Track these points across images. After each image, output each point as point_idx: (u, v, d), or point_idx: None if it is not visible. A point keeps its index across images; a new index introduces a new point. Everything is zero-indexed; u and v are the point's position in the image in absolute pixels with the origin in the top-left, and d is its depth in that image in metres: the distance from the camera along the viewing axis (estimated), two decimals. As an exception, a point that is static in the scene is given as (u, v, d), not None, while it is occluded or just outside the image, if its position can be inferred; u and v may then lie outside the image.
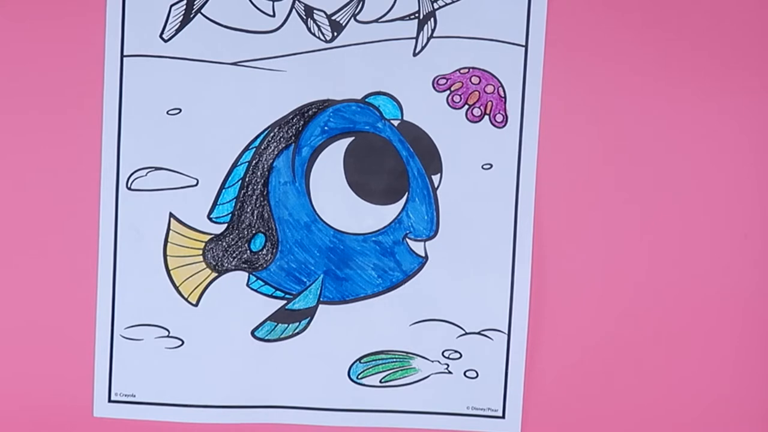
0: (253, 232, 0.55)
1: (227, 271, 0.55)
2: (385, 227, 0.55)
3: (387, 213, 0.55)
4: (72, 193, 0.54)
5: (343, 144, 0.54)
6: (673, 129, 0.55)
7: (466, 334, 0.55)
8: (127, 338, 0.55)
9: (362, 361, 0.55)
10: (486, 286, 0.55)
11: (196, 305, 0.55)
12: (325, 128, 0.54)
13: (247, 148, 0.54)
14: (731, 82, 0.54)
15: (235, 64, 0.54)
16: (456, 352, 0.55)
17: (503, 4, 0.53)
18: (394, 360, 0.55)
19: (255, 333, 0.55)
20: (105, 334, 0.55)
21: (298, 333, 0.55)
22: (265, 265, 0.55)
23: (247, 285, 0.55)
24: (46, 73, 0.53)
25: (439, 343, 0.55)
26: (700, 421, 0.56)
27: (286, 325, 0.55)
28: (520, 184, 0.54)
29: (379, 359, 0.55)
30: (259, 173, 0.54)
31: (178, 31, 0.53)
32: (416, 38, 0.54)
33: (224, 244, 0.55)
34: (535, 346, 0.55)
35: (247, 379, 0.55)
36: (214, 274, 0.55)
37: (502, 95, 0.54)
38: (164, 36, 0.53)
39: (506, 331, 0.55)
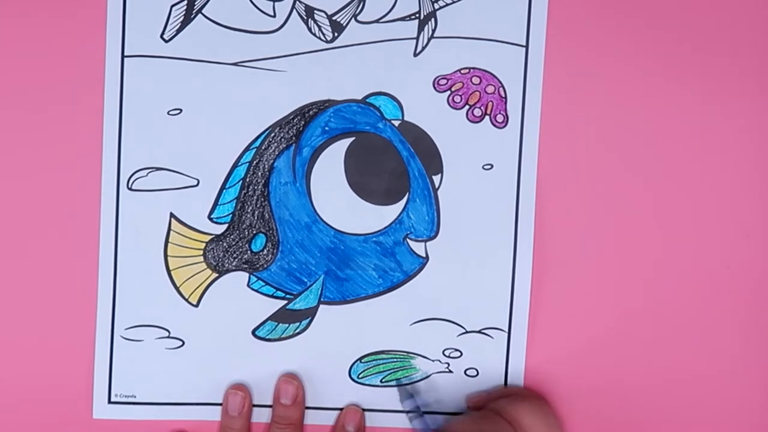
0: (254, 232, 0.55)
1: (228, 271, 0.55)
2: (385, 228, 0.55)
3: (388, 213, 0.55)
4: (72, 194, 0.54)
5: (343, 144, 0.55)
6: (674, 129, 0.55)
7: (467, 332, 0.55)
8: (127, 339, 0.55)
9: (363, 360, 0.56)
10: (487, 285, 0.55)
11: (196, 306, 0.55)
12: (326, 128, 0.55)
13: (247, 149, 0.54)
14: (733, 83, 0.55)
15: (235, 64, 0.54)
16: (456, 350, 0.56)
17: (504, 5, 0.54)
18: (395, 360, 0.56)
19: (256, 333, 0.55)
20: (105, 334, 0.55)
21: (299, 333, 0.55)
22: (265, 266, 0.55)
23: (248, 285, 0.55)
24: (47, 73, 0.53)
25: (439, 342, 0.56)
26: (701, 421, 0.56)
27: (287, 325, 0.55)
28: (521, 185, 0.55)
29: (380, 359, 0.56)
30: (259, 173, 0.54)
31: (178, 31, 0.53)
32: (417, 38, 0.54)
33: (225, 244, 0.55)
34: (535, 344, 0.55)
35: (248, 379, 0.55)
36: (215, 275, 0.55)
37: (503, 95, 0.54)
38: (165, 36, 0.53)
39: (506, 330, 0.55)
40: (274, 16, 0.54)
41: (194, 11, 0.53)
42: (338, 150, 0.55)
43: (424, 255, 0.55)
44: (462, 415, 0.52)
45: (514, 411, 0.49)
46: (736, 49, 0.55)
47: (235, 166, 0.54)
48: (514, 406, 0.49)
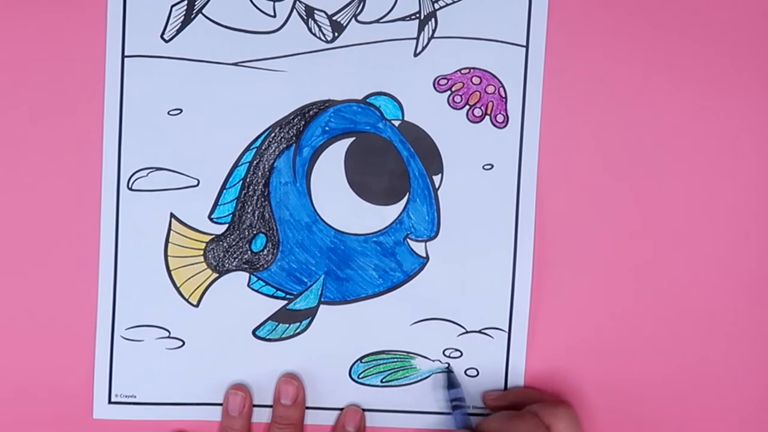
0: (254, 232, 0.55)
1: (228, 271, 0.55)
2: (386, 228, 0.55)
3: (388, 213, 0.55)
4: (73, 194, 0.54)
5: (343, 144, 0.55)
6: (674, 128, 0.55)
7: (467, 332, 0.55)
8: (127, 339, 0.55)
9: (363, 360, 0.56)
10: (487, 285, 0.55)
11: (196, 306, 0.55)
12: (326, 128, 0.55)
13: (247, 149, 0.54)
14: (733, 82, 0.55)
15: (235, 64, 0.54)
16: (457, 350, 0.56)
17: (504, 5, 0.54)
18: (395, 360, 0.56)
19: (256, 333, 0.55)
20: (105, 335, 0.55)
21: (299, 333, 0.55)
22: (266, 266, 0.55)
23: (248, 285, 0.55)
24: (47, 73, 0.53)
25: (439, 342, 0.56)
26: (701, 420, 0.56)
27: (287, 325, 0.55)
28: (521, 185, 0.55)
29: (380, 359, 0.56)
30: (260, 173, 0.54)
31: (179, 31, 0.53)
32: (417, 38, 0.54)
33: (225, 244, 0.55)
34: (535, 344, 0.55)
35: (249, 379, 0.55)
36: (215, 275, 0.55)
37: (503, 96, 0.54)
38: (165, 36, 0.53)
39: (506, 330, 0.55)
40: (274, 16, 0.54)
41: (194, 11, 0.53)
42: (338, 150, 0.55)
43: (424, 255, 0.55)
44: (495, 413, 0.52)
45: (551, 416, 0.49)
46: (737, 49, 0.55)
47: (235, 166, 0.54)
48: (552, 412, 0.49)
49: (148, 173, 0.54)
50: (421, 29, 0.54)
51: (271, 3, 0.54)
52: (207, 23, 0.53)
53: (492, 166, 0.55)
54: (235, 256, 0.55)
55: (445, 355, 0.56)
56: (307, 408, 0.55)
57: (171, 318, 0.55)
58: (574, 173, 0.55)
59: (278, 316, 0.55)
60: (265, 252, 0.55)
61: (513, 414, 0.50)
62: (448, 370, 0.55)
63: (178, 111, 0.54)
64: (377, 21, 0.54)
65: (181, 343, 0.55)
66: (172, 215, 0.54)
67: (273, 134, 0.54)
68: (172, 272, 0.55)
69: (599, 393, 0.56)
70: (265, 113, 0.54)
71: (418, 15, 0.54)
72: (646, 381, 0.56)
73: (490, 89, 0.54)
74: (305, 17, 0.54)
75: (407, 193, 0.55)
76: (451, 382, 0.55)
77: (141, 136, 0.54)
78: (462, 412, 0.53)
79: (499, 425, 0.49)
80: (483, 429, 0.50)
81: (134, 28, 0.53)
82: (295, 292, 0.55)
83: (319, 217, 0.55)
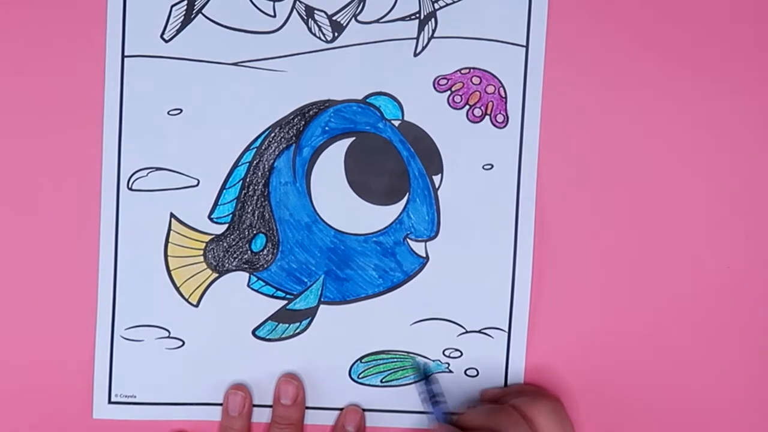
0: (254, 232, 0.55)
1: (228, 271, 0.55)
2: (385, 228, 0.55)
3: (388, 213, 0.55)
4: (73, 194, 0.54)
5: (343, 144, 0.55)
6: (674, 129, 0.55)
7: (467, 332, 0.55)
8: (127, 339, 0.55)
9: (363, 360, 0.56)
10: (487, 285, 0.55)
11: (196, 306, 0.55)
12: (326, 128, 0.55)
13: (247, 149, 0.54)
14: (732, 82, 0.55)
15: (235, 64, 0.54)
16: (456, 350, 0.56)
17: (504, 5, 0.54)
18: (395, 360, 0.56)
19: (256, 333, 0.55)
20: (105, 335, 0.55)
21: (299, 333, 0.55)
22: (265, 266, 0.55)
23: (248, 285, 0.55)
24: (47, 73, 0.53)
25: (439, 342, 0.56)
26: (700, 420, 0.56)
27: (287, 325, 0.55)
28: (521, 184, 0.55)
29: (380, 359, 0.56)
30: (259, 173, 0.54)
31: (179, 31, 0.53)
32: (417, 38, 0.54)
33: (225, 244, 0.55)
34: (535, 344, 0.56)
35: (248, 379, 0.55)
36: (215, 275, 0.55)
37: (503, 96, 0.54)
38: (165, 36, 0.53)
39: (506, 330, 0.55)
40: (274, 16, 0.54)
41: (194, 11, 0.53)
42: (338, 150, 0.55)
43: (424, 255, 0.55)
44: (478, 406, 0.52)
45: (533, 410, 0.48)
46: (737, 48, 0.55)
47: (235, 166, 0.54)
48: (533, 405, 0.49)
49: (148, 173, 0.54)
50: (421, 29, 0.54)
51: (271, 3, 0.54)
52: (207, 23, 0.53)
53: (492, 166, 0.55)
54: (235, 256, 0.55)
55: (444, 355, 0.56)
56: (307, 408, 0.55)
57: (171, 318, 0.55)
58: (574, 173, 0.55)
59: (278, 316, 0.55)
60: (265, 252, 0.55)
61: (495, 407, 0.50)
62: (424, 368, 0.55)
63: (178, 111, 0.54)
64: (377, 21, 0.54)
65: (181, 343, 0.55)
66: (172, 215, 0.54)
67: (273, 134, 0.54)
68: (172, 272, 0.55)
69: (599, 393, 0.56)
70: (265, 113, 0.54)
71: (418, 15, 0.54)
72: (646, 381, 0.56)
73: (490, 89, 0.54)
74: (305, 17, 0.54)
75: (407, 193, 0.55)
76: (428, 378, 0.55)
77: (141, 136, 0.54)
78: (441, 408, 0.53)
79: (481, 419, 0.49)
80: (464, 422, 0.50)
81: (134, 28, 0.53)
82: (295, 292, 0.55)
83: (319, 217, 0.55)
